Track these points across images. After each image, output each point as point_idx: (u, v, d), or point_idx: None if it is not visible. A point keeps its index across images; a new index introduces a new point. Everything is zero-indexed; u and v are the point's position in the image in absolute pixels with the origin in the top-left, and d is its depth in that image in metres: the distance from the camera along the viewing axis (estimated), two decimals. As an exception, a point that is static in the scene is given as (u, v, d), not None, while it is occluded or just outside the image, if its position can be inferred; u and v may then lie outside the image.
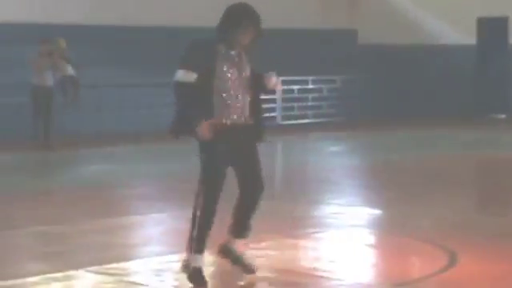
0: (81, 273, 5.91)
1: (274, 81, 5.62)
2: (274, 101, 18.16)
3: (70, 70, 14.24)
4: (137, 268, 6.13)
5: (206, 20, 18.11)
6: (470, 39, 19.70)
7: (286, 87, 18.29)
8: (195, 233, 5.42)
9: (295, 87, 18.37)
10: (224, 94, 5.40)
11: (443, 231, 7.31)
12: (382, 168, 11.99)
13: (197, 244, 5.43)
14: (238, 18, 5.37)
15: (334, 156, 13.59)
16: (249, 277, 5.73)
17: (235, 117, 5.42)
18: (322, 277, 5.88)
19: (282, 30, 19.16)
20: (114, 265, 6.12)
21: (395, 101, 19.02)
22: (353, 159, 13.16)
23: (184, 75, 5.33)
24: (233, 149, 5.43)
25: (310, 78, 18.58)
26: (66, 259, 6.34)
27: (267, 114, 18.07)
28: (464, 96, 19.51)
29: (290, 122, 17.96)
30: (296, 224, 7.83)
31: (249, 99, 5.53)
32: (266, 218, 8.08)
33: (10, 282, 5.66)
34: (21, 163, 12.71)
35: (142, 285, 5.70)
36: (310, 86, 18.65)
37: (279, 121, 18.11)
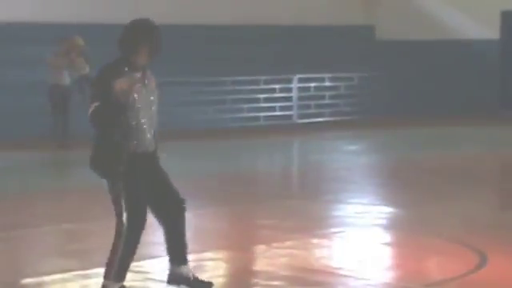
0: (106, 270, 5.99)
1: None
2: (290, 99, 18.23)
3: (87, 69, 14.34)
4: (161, 266, 6.20)
5: (221, 18, 18.38)
6: (494, 33, 19.64)
7: (302, 85, 18.39)
8: (117, 260, 5.24)
9: (312, 85, 18.40)
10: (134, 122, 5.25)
11: (471, 231, 7.35)
12: (404, 167, 12.02)
13: (118, 272, 5.25)
14: (134, 41, 5.20)
15: (352, 155, 13.63)
16: (274, 276, 5.79)
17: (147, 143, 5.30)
18: (348, 276, 5.93)
19: (298, 27, 19.24)
20: (138, 263, 6.19)
21: (415, 98, 19.03)
22: (372, 158, 13.20)
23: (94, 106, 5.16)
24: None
25: (327, 75, 18.62)
26: (90, 257, 6.44)
27: (284, 113, 18.19)
28: (488, 92, 19.43)
29: (307, 121, 18.00)
30: (320, 223, 7.90)
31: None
32: (289, 218, 8.20)
33: (38, 279, 5.77)
34: (39, 162, 12.82)
35: (165, 282, 5.77)
36: (327, 84, 18.69)
37: (295, 119, 18.14)
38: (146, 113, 5.26)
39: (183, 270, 5.47)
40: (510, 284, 5.78)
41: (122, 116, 5.15)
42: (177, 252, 5.47)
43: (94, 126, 5.21)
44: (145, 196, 5.28)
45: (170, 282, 5.53)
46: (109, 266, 5.27)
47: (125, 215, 5.23)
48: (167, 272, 5.54)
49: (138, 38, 5.22)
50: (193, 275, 5.49)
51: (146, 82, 5.29)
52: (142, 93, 5.23)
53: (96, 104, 5.12)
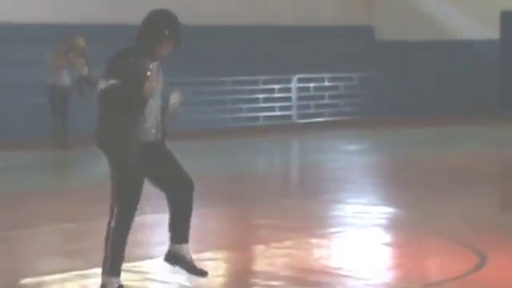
0: (105, 270, 5.98)
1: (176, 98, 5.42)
2: (289, 99, 18.23)
3: (86, 70, 14.33)
4: (160, 266, 6.19)
5: (221, 18, 18.38)
6: (494, 33, 19.64)
7: (301, 85, 18.39)
8: (110, 253, 5.20)
9: (311, 85, 18.40)
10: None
11: (471, 231, 7.34)
12: (404, 166, 12.01)
13: (111, 264, 5.20)
14: (160, 31, 5.12)
15: (352, 154, 13.62)
16: (273, 276, 5.78)
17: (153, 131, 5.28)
18: (347, 276, 5.92)
19: (297, 28, 19.23)
20: (138, 263, 6.19)
21: (414, 98, 19.03)
22: (372, 158, 13.19)
23: (109, 83, 5.12)
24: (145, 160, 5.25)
25: (326, 75, 18.61)
26: (89, 257, 6.42)
27: (283, 113, 18.20)
28: (488, 92, 19.44)
29: (306, 121, 17.99)
30: (319, 223, 7.89)
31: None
32: (288, 218, 8.18)
33: (38, 279, 5.76)
34: (39, 162, 12.84)
35: (165, 282, 5.77)
36: (327, 84, 18.68)
37: (295, 119, 18.14)
38: (155, 103, 5.25)
39: (183, 248, 5.42)
40: (509, 284, 5.77)
41: (138, 99, 5.08)
42: (179, 230, 5.43)
43: (106, 102, 5.14)
44: (139, 184, 5.24)
45: (167, 259, 5.47)
46: (104, 261, 5.24)
47: (116, 203, 5.22)
48: (166, 250, 5.45)
49: (163, 30, 5.15)
50: (191, 258, 5.44)
51: (159, 74, 5.27)
52: (154, 83, 5.19)
53: (112, 81, 5.05)
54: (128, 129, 5.14)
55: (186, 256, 5.43)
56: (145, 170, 5.27)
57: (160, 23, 5.16)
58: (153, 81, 5.14)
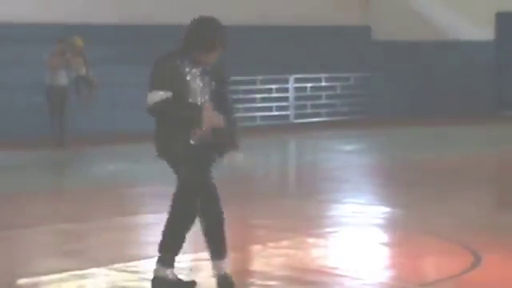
0: (102, 270, 6.00)
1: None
2: (286, 99, 18.24)
3: (84, 70, 14.33)
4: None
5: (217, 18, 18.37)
6: (489, 34, 19.69)
7: (298, 85, 18.40)
8: (167, 232, 5.31)
9: (308, 85, 18.41)
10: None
11: (467, 231, 7.35)
12: (401, 166, 12.03)
13: (165, 243, 5.30)
14: (210, 42, 5.19)
15: (349, 154, 13.63)
16: (270, 276, 5.79)
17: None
18: (344, 276, 5.92)
19: (294, 28, 19.23)
20: (135, 262, 6.20)
21: (411, 98, 19.04)
22: (369, 158, 13.20)
23: (160, 95, 5.17)
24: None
25: (323, 75, 18.62)
26: (86, 257, 6.43)
27: (280, 113, 18.21)
28: (484, 93, 19.48)
29: (303, 121, 17.99)
30: (316, 223, 7.90)
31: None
32: (285, 217, 8.19)
33: (35, 279, 5.75)
34: (36, 161, 12.82)
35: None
36: (323, 84, 18.69)
37: (292, 119, 18.15)
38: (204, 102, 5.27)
39: (218, 264, 5.40)
40: (503, 283, 5.78)
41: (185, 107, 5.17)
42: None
43: (157, 114, 5.22)
44: (201, 181, 5.30)
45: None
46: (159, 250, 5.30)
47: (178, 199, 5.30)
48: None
49: (215, 38, 5.22)
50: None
51: (205, 77, 5.29)
52: (198, 87, 5.24)
53: (161, 93, 5.13)
54: (182, 133, 5.21)
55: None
56: (203, 169, 5.32)
57: (207, 33, 5.23)
58: (208, 115, 5.19)
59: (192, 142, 5.26)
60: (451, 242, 6.86)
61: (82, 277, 5.86)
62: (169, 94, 5.15)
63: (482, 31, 19.70)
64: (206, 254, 6.34)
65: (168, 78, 5.17)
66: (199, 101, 5.27)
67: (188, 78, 5.22)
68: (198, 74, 5.27)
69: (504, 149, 14.23)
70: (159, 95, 5.15)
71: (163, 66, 5.22)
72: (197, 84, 5.26)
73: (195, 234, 7.39)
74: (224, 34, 5.28)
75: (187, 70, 5.24)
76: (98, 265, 6.09)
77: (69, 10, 16.67)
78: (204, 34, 5.22)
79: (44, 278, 5.82)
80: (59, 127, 13.74)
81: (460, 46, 19.74)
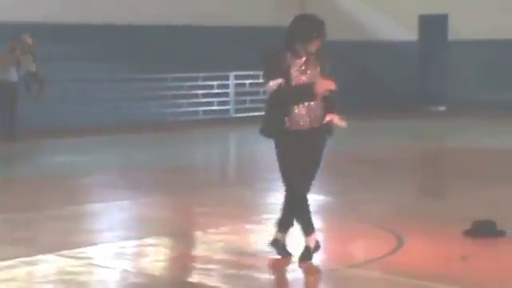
0: (50, 257, 5.94)
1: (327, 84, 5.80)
2: (227, 95, 18.35)
3: (34, 67, 14.16)
4: (104, 252, 6.17)
5: (165, 18, 18.31)
6: (413, 35, 20.11)
7: (238, 81, 18.49)
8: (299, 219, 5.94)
9: (247, 81, 18.60)
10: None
11: (391, 216, 7.49)
12: (331, 158, 12.11)
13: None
14: (308, 34, 5.54)
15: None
16: (210, 260, 5.82)
17: (302, 123, 5.78)
18: (278, 260, 5.99)
19: (234, 28, 19.28)
20: (82, 249, 6.15)
21: (340, 95, 19.21)
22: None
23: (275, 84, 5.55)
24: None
25: (260, 73, 18.68)
26: (34, 244, 6.36)
27: (221, 107, 18.27)
28: (409, 89, 19.88)
29: (243, 115, 18.09)
30: (253, 210, 7.94)
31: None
32: (224, 205, 8.22)
33: (-15, 266, 5.66)
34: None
35: (109, 268, 5.74)
36: (261, 81, 18.73)
37: (232, 113, 18.28)
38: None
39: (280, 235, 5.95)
40: (421, 263, 5.90)
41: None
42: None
43: (272, 101, 5.65)
44: (295, 166, 5.88)
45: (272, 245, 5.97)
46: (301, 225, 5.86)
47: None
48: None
49: (311, 33, 5.55)
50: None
51: (307, 68, 5.61)
52: (300, 77, 5.61)
53: (278, 81, 5.52)
54: (279, 119, 5.68)
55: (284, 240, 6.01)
56: (294, 155, 5.81)
57: (308, 27, 5.57)
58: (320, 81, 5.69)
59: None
60: (377, 227, 6.98)
61: (31, 263, 5.80)
62: (281, 81, 5.51)
63: (407, 32, 20.10)
64: (149, 240, 6.34)
65: (277, 69, 5.51)
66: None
67: (292, 70, 5.57)
68: (300, 63, 5.59)
69: (427, 140, 14.54)
70: (276, 83, 5.51)
71: (273, 58, 5.59)
72: (299, 74, 5.59)
73: (140, 220, 7.38)
74: (320, 24, 5.62)
75: (291, 61, 5.56)
76: (47, 251, 6.03)
77: (21, 10, 16.42)
78: (301, 28, 5.58)
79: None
80: (9, 122, 13.57)
81: (387, 46, 20.07)
